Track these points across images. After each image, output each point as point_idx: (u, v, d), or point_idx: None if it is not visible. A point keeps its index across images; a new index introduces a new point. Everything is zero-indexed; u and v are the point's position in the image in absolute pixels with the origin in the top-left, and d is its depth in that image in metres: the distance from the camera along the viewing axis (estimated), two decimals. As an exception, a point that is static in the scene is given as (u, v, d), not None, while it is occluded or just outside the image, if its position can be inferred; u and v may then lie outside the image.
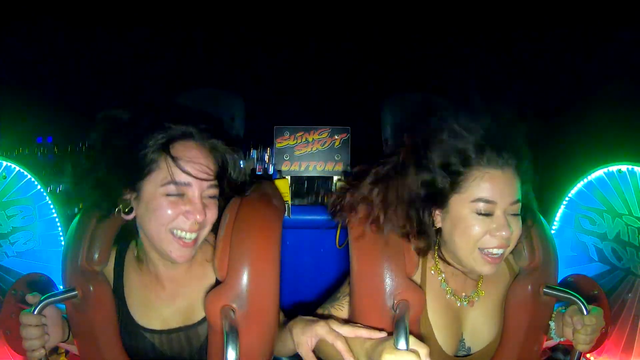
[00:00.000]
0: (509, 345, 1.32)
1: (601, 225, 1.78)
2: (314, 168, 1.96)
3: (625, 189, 1.70)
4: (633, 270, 1.68)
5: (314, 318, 1.22)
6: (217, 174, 1.25)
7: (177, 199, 1.19)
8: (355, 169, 1.38)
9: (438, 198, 1.22)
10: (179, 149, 1.20)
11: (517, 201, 1.20)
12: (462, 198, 1.19)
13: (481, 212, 1.17)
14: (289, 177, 1.92)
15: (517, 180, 1.20)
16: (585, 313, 1.23)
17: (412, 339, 0.99)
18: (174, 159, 1.18)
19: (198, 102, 1.94)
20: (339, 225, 1.47)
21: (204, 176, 1.20)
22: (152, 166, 1.18)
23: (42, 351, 1.19)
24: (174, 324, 1.31)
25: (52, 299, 1.22)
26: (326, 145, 1.95)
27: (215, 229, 1.27)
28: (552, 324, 1.34)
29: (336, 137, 1.95)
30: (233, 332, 1.09)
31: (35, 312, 1.18)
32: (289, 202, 1.77)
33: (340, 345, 1.11)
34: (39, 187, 1.79)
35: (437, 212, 1.25)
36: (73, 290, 1.25)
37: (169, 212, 1.18)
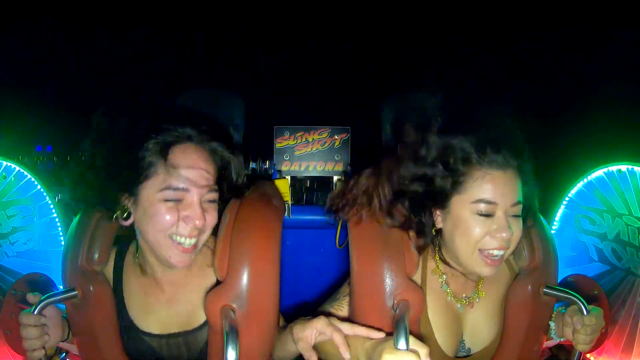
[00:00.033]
0: (509, 346, 1.32)
1: (601, 225, 1.78)
2: (314, 168, 1.96)
3: (625, 189, 1.69)
4: (633, 270, 1.68)
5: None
6: (216, 178, 1.23)
7: (175, 204, 1.16)
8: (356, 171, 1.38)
9: (439, 197, 1.22)
10: (177, 153, 1.16)
11: (518, 202, 1.19)
12: (463, 199, 1.19)
13: (482, 213, 1.17)
14: (289, 177, 1.92)
15: (518, 182, 1.20)
16: (585, 313, 1.23)
17: (412, 339, 0.99)
18: (172, 165, 1.14)
19: (198, 102, 1.93)
20: (339, 225, 1.47)
21: (204, 182, 1.18)
22: (150, 170, 1.14)
23: (42, 351, 1.19)
24: (173, 328, 1.30)
25: (52, 299, 1.22)
26: (326, 145, 1.95)
27: (215, 232, 1.26)
28: (552, 324, 1.34)
29: (336, 137, 1.95)
30: (233, 332, 1.09)
31: (35, 312, 1.18)
32: (289, 202, 1.77)
33: (337, 338, 1.11)
34: (39, 187, 1.79)
35: (438, 212, 1.25)
36: (73, 290, 1.25)
37: (168, 217, 1.15)
